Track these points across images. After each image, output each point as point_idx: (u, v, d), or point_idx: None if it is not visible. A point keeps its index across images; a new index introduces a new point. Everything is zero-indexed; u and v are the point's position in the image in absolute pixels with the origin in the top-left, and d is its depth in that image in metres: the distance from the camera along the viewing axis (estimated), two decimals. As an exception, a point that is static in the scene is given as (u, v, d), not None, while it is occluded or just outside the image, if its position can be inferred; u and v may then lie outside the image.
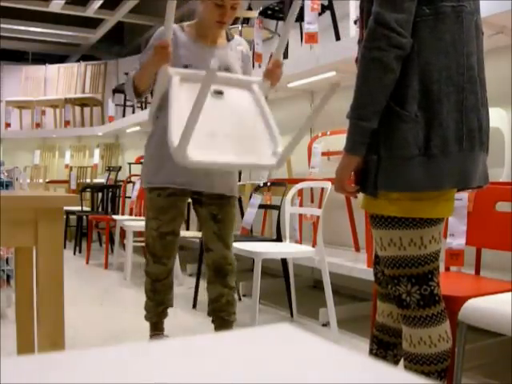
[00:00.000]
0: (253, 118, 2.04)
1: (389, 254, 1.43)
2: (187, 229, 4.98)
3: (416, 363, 1.44)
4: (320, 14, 3.43)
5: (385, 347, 1.64)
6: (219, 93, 2.02)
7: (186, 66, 2.15)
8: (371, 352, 1.67)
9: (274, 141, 1.99)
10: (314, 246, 2.83)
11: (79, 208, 5.81)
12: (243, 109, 2.05)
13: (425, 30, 1.35)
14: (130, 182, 5.81)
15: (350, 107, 1.39)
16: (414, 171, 1.34)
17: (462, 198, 2.02)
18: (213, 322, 2.37)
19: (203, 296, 2.68)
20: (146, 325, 2.46)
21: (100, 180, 7.01)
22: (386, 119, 1.36)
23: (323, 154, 3.60)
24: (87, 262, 5.16)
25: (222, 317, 2.33)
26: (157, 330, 2.42)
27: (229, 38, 2.32)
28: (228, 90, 2.05)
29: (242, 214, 3.75)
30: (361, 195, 1.52)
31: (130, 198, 5.41)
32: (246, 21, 4.73)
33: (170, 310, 2.46)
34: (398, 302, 1.45)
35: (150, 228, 2.27)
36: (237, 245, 2.78)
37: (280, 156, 1.92)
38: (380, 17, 1.31)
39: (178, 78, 1.98)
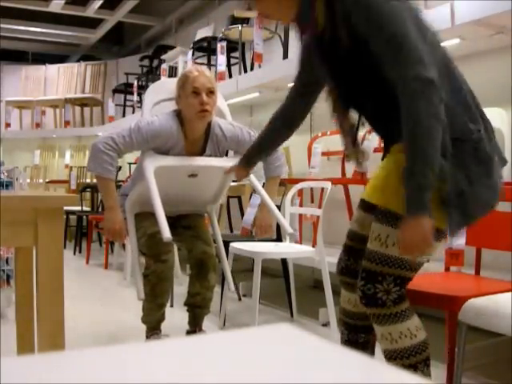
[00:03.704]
0: (208, 194, 2.56)
1: (388, 252, 1.44)
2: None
3: (402, 358, 1.46)
4: (320, 14, 3.42)
5: (354, 330, 1.70)
6: (194, 175, 2.37)
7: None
8: (344, 337, 1.73)
9: (207, 205, 2.64)
10: (314, 246, 2.83)
11: (79, 208, 5.81)
12: (205, 187, 2.51)
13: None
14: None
15: (409, 173, 1.33)
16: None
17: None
18: (187, 311, 2.52)
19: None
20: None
21: (100, 180, 7.00)
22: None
23: (323, 153, 3.60)
24: (87, 262, 5.16)
25: (195, 310, 2.50)
26: (155, 329, 2.44)
27: (206, 132, 2.39)
28: (203, 172, 2.39)
29: (242, 214, 3.75)
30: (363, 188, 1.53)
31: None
32: (246, 21, 4.73)
33: (168, 310, 2.48)
34: (371, 301, 1.46)
35: (140, 238, 2.38)
36: (237, 245, 2.78)
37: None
38: (425, 77, 1.31)
39: (153, 170, 2.26)
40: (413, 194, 1.32)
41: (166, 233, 2.08)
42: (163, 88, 2.60)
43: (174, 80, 2.42)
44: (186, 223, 2.54)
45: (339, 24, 1.42)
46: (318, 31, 1.49)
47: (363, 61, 1.44)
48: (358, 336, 1.70)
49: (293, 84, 1.77)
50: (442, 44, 1.48)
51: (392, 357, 1.47)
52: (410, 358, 1.45)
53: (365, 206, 1.64)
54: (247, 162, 2.01)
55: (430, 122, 1.31)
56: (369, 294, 1.46)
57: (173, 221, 2.52)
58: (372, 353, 1.85)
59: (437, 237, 1.40)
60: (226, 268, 2.61)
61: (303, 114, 1.81)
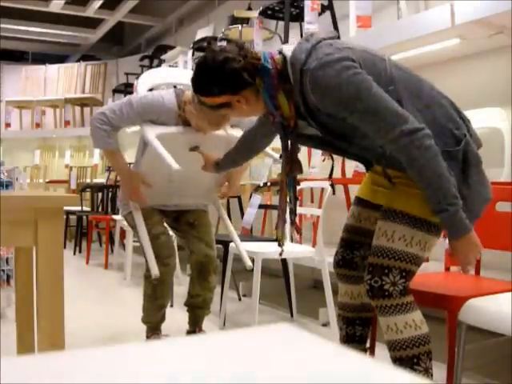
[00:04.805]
0: (211, 174, 2.34)
1: (394, 246, 1.50)
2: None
3: (406, 348, 1.49)
4: (320, 14, 3.43)
5: (352, 324, 1.77)
6: (195, 148, 2.26)
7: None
8: (342, 333, 1.79)
9: (211, 194, 2.55)
10: (313, 246, 2.83)
11: (79, 208, 5.81)
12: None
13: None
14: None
15: (439, 210, 1.42)
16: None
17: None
18: (188, 311, 2.52)
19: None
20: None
21: (100, 180, 7.01)
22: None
23: (323, 153, 3.60)
24: (87, 262, 5.16)
25: (195, 311, 2.50)
26: (155, 329, 2.44)
27: None
28: (204, 144, 2.28)
29: (242, 214, 3.75)
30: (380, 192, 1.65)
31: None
32: (246, 21, 4.73)
33: (168, 310, 2.48)
34: (378, 293, 1.50)
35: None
36: (237, 245, 2.77)
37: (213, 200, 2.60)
38: (408, 130, 1.38)
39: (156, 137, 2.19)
40: (450, 223, 1.42)
41: (155, 270, 2.17)
42: (157, 74, 2.60)
43: (168, 68, 2.40)
44: (190, 219, 2.49)
45: (307, 114, 1.51)
46: (288, 120, 1.57)
47: (343, 122, 1.50)
48: (355, 329, 1.77)
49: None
50: (405, 66, 1.56)
51: (396, 347, 1.50)
52: (413, 349, 1.49)
53: (362, 203, 1.75)
54: (219, 167, 2.15)
55: (430, 163, 1.39)
56: (376, 287, 1.50)
57: (177, 215, 2.51)
58: (372, 353, 1.85)
59: (434, 231, 1.51)
60: (241, 251, 2.50)
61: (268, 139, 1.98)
